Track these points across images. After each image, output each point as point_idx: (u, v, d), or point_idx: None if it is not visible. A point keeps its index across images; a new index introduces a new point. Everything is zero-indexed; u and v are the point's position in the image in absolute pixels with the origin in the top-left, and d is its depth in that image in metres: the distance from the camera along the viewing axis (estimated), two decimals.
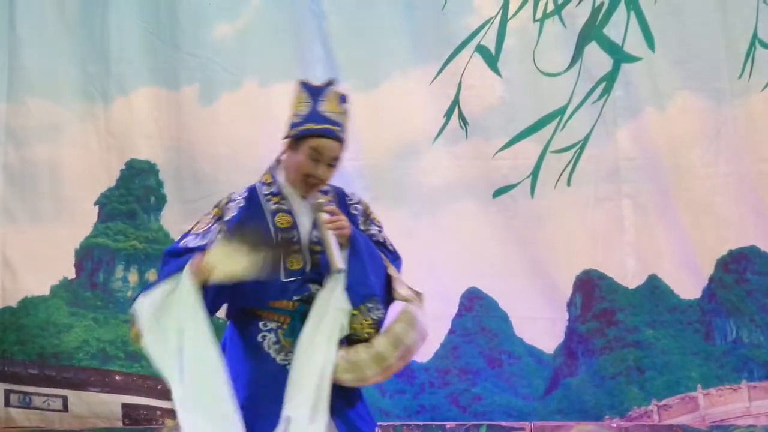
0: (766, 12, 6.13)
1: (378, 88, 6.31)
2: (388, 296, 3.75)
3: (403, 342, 3.61)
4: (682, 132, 6.17)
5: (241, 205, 3.83)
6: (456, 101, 6.28)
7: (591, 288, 6.23)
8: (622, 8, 6.20)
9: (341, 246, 3.68)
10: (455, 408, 6.23)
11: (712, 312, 6.20)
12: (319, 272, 3.71)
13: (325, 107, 3.77)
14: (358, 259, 3.69)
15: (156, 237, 6.44)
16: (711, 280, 6.18)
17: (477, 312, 6.25)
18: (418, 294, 3.78)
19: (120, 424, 6.34)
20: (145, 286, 4.10)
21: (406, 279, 6.29)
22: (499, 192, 6.27)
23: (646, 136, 6.21)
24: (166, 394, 6.23)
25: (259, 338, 3.73)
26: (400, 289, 3.75)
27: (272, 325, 3.73)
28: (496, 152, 6.26)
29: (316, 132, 3.73)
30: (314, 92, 3.79)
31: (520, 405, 6.23)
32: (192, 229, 3.84)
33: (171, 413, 6.26)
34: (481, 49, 6.27)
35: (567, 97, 6.22)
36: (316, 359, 3.60)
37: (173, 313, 3.60)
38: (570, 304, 6.26)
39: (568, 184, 6.23)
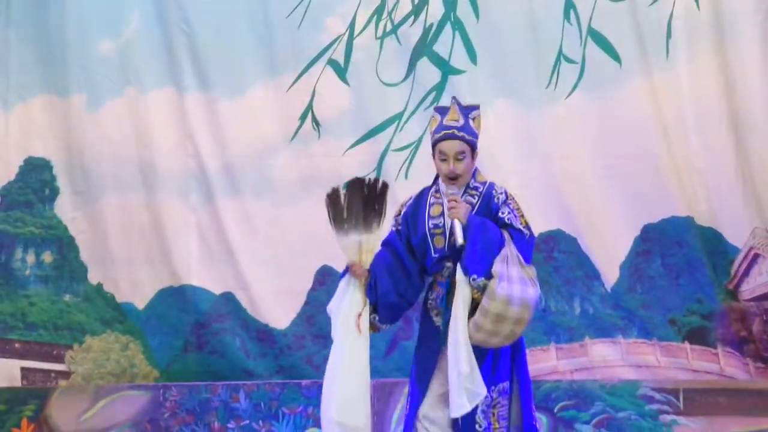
0: (569, 31, 6.99)
1: (242, 95, 7.29)
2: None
3: (490, 311, 4.35)
4: (500, 134, 7.00)
5: (410, 201, 4.78)
6: (310, 107, 7.24)
7: None
8: (448, 28, 7.11)
9: (463, 226, 4.49)
10: (310, 368, 7.11)
11: None
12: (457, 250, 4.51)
13: (447, 118, 4.66)
14: (470, 238, 4.45)
15: (50, 224, 7.41)
16: None
17: (329, 286, 6.98)
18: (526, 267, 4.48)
19: (19, 384, 7.28)
20: None
21: (270, 256, 7.19)
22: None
23: None
24: (59, 358, 7.20)
25: (429, 304, 4.68)
26: (494, 266, 4.39)
27: (433, 294, 4.66)
28: (345, 150, 7.23)
29: (436, 139, 4.66)
30: (442, 111, 4.71)
31: None
32: None
33: (64, 375, 7.21)
34: (332, 63, 7.24)
35: (403, 104, 7.17)
36: (458, 326, 4.43)
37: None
38: None
39: (406, 177, 7.14)
